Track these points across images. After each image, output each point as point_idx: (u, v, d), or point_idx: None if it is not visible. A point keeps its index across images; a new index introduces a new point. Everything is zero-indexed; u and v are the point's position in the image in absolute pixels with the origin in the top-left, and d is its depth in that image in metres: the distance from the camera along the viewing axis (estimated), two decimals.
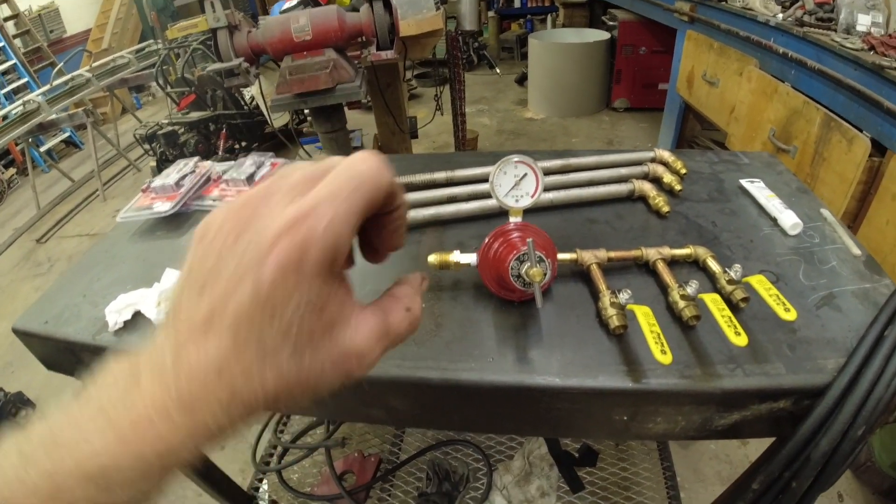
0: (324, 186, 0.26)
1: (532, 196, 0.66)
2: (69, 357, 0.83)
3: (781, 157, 2.08)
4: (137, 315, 0.80)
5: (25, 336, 0.85)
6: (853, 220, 1.78)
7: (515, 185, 0.66)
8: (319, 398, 0.28)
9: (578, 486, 1.34)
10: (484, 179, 0.97)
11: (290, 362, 0.26)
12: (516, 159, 0.65)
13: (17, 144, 4.82)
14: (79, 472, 0.24)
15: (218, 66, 1.47)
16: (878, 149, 1.67)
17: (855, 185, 1.72)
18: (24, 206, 4.55)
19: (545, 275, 0.58)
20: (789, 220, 0.84)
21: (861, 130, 1.71)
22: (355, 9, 1.67)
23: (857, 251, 0.80)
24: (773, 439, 0.69)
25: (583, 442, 1.40)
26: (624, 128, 4.69)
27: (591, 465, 1.38)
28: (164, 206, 1.06)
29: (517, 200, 0.66)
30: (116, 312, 0.79)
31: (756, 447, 1.82)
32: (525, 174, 0.65)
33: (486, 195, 0.92)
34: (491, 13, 6.66)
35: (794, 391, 0.59)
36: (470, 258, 0.68)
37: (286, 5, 1.76)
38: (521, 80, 5.81)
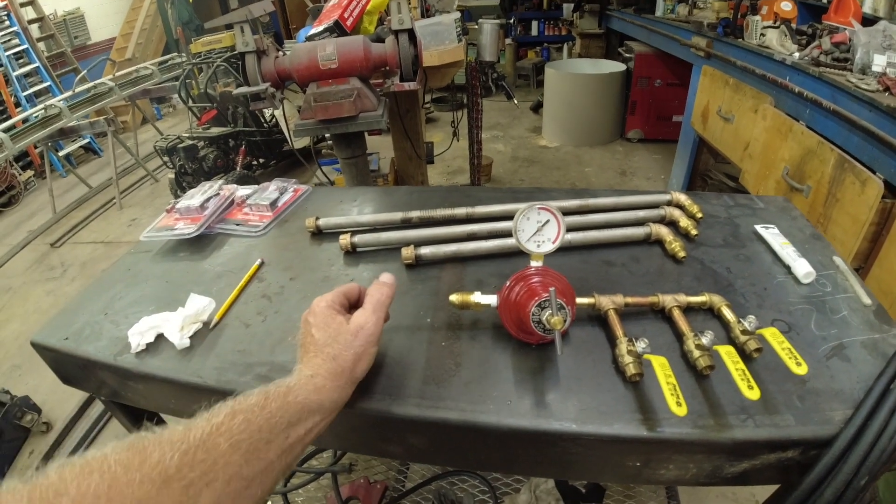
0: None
1: (553, 242, 0.68)
2: (88, 374, 0.84)
3: (795, 196, 2.09)
4: (160, 338, 0.81)
5: (43, 350, 0.85)
6: (865, 261, 1.78)
7: (538, 230, 0.68)
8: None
9: None
10: (503, 217, 1.00)
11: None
12: (539, 206, 0.67)
13: (35, 147, 4.89)
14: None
15: (245, 89, 1.51)
16: (891, 190, 1.68)
17: (867, 226, 1.72)
18: (39, 209, 4.62)
19: (565, 322, 0.59)
20: (802, 269, 0.85)
21: (874, 172, 1.72)
22: (379, 38, 1.72)
23: (867, 300, 0.80)
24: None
25: None
26: (637, 158, 4.72)
27: (597, 501, 1.37)
28: (187, 228, 1.07)
29: (539, 246, 0.68)
30: (139, 334, 0.80)
31: (763, 486, 1.80)
32: (548, 220, 0.67)
33: (506, 234, 0.94)
34: (508, 40, 6.75)
35: (803, 442, 0.59)
36: (490, 299, 0.70)
37: (312, 31, 1.80)
38: (537, 107, 5.88)
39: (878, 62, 1.90)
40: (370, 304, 0.66)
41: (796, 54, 2.28)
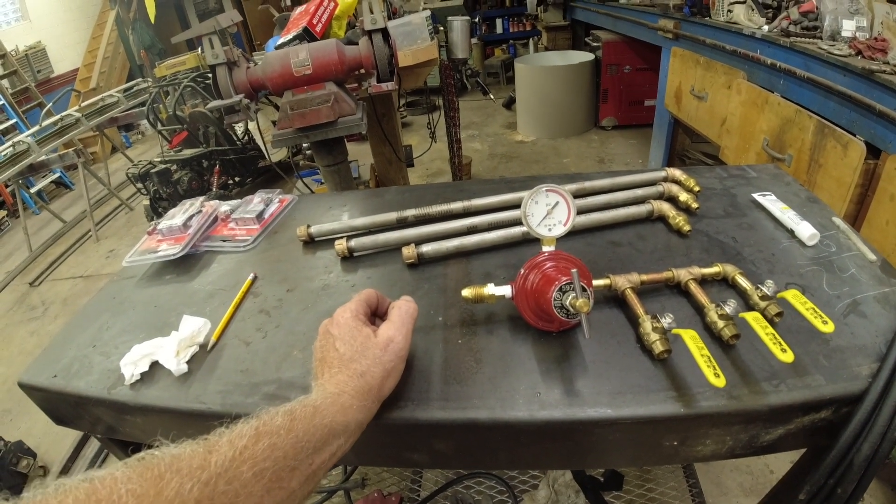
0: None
1: (565, 224, 0.65)
2: (81, 412, 0.79)
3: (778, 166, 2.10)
4: (155, 366, 0.76)
5: (32, 390, 0.80)
6: (853, 222, 1.80)
7: (548, 214, 0.65)
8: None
9: None
10: (502, 208, 0.97)
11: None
12: (547, 188, 0.64)
13: (6, 186, 4.78)
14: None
15: (219, 102, 1.46)
16: (873, 151, 1.69)
17: (853, 188, 1.74)
18: (15, 249, 4.50)
19: (590, 304, 0.57)
20: (806, 231, 0.84)
21: (854, 135, 1.73)
22: (350, 41, 1.68)
23: (872, 257, 0.80)
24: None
25: None
26: (614, 145, 4.74)
27: (617, 488, 1.35)
28: (172, 249, 1.02)
29: (550, 229, 0.66)
30: (132, 364, 0.75)
31: (775, 455, 1.80)
32: (557, 203, 0.65)
33: (508, 224, 0.91)
34: (474, 40, 6.77)
35: (835, 400, 0.59)
36: (505, 290, 0.67)
37: (281, 40, 1.76)
38: (509, 103, 5.89)
39: (848, 27, 1.92)
40: (398, 316, 0.62)
41: (765, 27, 2.29)
